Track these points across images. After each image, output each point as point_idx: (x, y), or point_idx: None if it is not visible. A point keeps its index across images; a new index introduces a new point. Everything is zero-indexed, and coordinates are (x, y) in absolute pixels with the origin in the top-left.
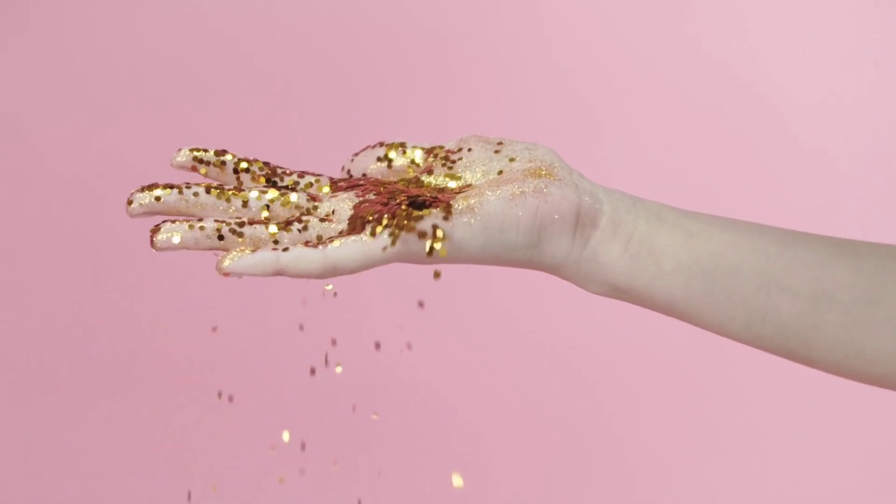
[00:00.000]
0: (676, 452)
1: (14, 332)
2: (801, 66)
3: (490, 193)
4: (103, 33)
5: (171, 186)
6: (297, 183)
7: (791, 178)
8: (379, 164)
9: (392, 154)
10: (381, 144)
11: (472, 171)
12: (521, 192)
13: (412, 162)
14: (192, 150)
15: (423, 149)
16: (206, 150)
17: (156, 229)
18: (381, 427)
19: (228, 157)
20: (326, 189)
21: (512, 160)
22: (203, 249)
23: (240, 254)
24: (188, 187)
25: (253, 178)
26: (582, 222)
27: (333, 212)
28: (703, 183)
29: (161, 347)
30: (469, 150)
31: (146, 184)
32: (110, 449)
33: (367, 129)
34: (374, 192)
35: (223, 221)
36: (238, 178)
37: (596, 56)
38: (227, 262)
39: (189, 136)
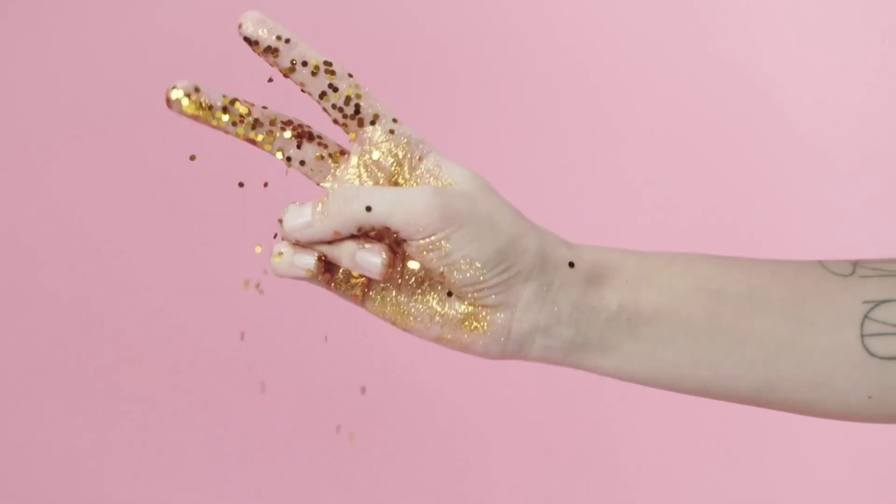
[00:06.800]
0: (678, 452)
1: (14, 332)
2: (803, 65)
3: (421, 330)
4: (101, 35)
5: (216, 125)
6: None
7: (793, 176)
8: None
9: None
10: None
11: None
12: (449, 340)
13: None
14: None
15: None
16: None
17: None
18: (381, 427)
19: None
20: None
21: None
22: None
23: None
24: (232, 122)
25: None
26: (507, 358)
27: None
28: (706, 180)
29: (168, 341)
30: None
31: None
32: (110, 449)
33: None
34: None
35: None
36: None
37: (600, 55)
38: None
39: (189, 137)
